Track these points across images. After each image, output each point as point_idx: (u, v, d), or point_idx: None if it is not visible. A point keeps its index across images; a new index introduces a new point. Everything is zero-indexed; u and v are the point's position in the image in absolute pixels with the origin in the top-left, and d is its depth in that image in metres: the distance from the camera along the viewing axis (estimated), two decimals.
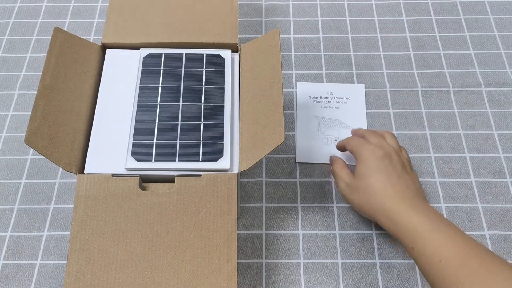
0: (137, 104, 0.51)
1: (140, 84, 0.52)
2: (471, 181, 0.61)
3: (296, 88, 0.69)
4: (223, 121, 0.50)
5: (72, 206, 0.59)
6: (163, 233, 0.45)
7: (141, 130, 0.49)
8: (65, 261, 0.56)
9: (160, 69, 0.53)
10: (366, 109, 0.67)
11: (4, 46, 0.73)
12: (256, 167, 0.62)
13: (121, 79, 0.53)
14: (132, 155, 0.48)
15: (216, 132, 0.50)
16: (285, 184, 0.61)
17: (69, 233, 0.58)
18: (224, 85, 0.52)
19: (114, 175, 0.46)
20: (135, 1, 0.58)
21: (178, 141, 0.49)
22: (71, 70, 0.51)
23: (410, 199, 0.49)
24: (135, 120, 0.50)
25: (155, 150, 0.48)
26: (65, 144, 0.47)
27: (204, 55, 0.54)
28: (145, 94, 0.52)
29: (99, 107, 0.51)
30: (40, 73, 0.48)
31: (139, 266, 0.44)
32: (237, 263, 0.55)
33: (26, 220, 0.58)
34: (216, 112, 0.51)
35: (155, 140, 0.49)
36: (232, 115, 0.51)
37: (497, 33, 0.74)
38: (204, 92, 0.52)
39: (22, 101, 0.67)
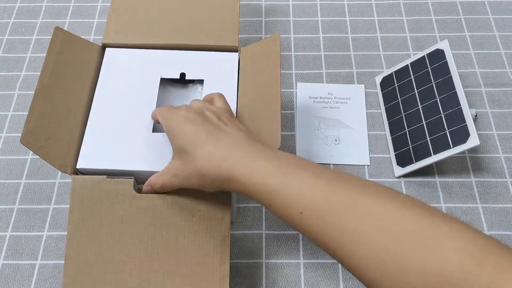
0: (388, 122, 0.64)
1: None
2: (471, 181, 0.61)
3: (296, 88, 0.69)
4: None
5: None
6: (157, 236, 0.45)
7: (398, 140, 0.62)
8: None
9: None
10: (366, 109, 0.67)
11: (4, 46, 0.73)
12: None
13: (120, 78, 0.53)
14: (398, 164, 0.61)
15: None
16: None
17: None
18: None
19: (109, 176, 0.46)
20: (136, 2, 0.58)
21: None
22: (70, 70, 0.51)
23: (245, 149, 0.40)
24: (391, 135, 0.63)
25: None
26: (61, 145, 0.47)
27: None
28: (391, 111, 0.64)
29: (96, 103, 0.51)
30: (39, 73, 0.48)
31: (134, 269, 0.44)
32: (237, 263, 0.55)
33: (26, 220, 0.58)
34: None
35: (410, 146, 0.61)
36: None
37: (497, 33, 0.74)
38: None
39: (22, 101, 0.67)
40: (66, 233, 0.58)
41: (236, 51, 0.55)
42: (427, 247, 0.31)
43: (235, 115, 0.51)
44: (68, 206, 0.59)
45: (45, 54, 0.50)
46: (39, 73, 0.49)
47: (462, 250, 0.31)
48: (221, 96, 0.48)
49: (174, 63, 0.54)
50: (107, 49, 0.55)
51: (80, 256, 0.44)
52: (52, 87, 0.48)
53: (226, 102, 0.48)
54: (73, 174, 0.46)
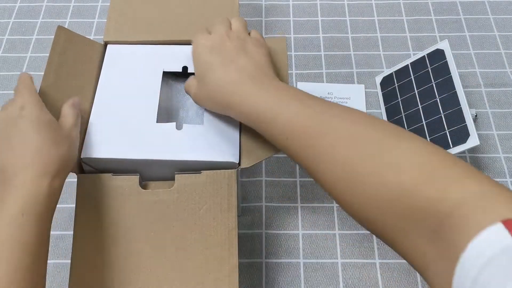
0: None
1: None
2: None
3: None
4: None
5: (72, 205, 0.59)
6: (164, 231, 0.45)
7: None
8: (65, 261, 0.56)
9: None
10: (366, 109, 0.67)
11: (4, 46, 0.73)
12: (256, 166, 0.62)
13: (122, 72, 0.52)
14: None
15: None
16: (285, 183, 0.61)
17: (69, 232, 0.58)
18: None
19: (114, 174, 0.46)
20: (135, 0, 0.58)
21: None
22: (73, 69, 0.51)
23: (248, 84, 0.43)
24: None
25: None
26: None
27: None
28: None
29: (99, 97, 0.50)
30: (40, 73, 0.48)
31: (141, 264, 0.44)
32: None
33: None
34: None
35: None
36: None
37: (497, 33, 0.74)
38: None
39: None
40: (66, 232, 0.58)
41: None
42: (387, 163, 0.34)
43: None
44: (69, 205, 0.59)
45: (45, 54, 0.50)
46: (39, 73, 0.49)
47: (417, 165, 0.33)
48: (239, 19, 0.50)
49: (176, 57, 0.54)
50: (108, 45, 0.55)
51: (86, 254, 0.44)
52: (56, 86, 0.48)
53: (244, 24, 0.50)
54: (80, 172, 0.46)
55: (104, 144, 0.47)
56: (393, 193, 0.33)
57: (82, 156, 0.46)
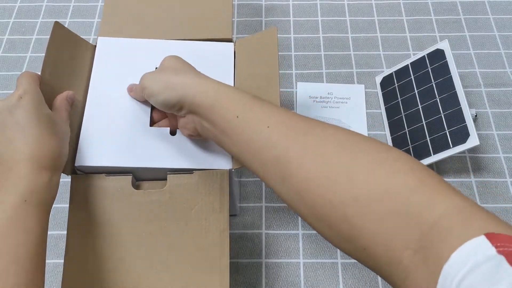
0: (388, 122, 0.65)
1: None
2: (471, 181, 0.61)
3: (296, 88, 0.69)
4: None
5: None
6: (156, 231, 0.45)
7: None
8: None
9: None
10: (366, 109, 0.67)
11: (4, 46, 0.73)
12: None
13: (114, 70, 0.52)
14: None
15: None
16: None
17: None
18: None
19: (107, 174, 0.46)
20: (129, 1, 0.58)
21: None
22: (68, 67, 0.50)
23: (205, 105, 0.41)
24: None
25: None
26: None
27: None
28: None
29: (91, 98, 0.50)
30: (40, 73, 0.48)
31: (133, 264, 0.44)
32: (237, 262, 0.55)
33: None
34: None
35: None
36: None
37: (497, 33, 0.74)
38: None
39: None
40: (66, 232, 0.58)
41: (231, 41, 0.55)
42: (376, 162, 0.33)
43: None
44: (67, 205, 0.59)
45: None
46: (38, 73, 0.48)
47: (408, 171, 0.32)
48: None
49: (168, 54, 0.53)
50: (99, 38, 0.53)
51: (79, 254, 0.44)
52: (50, 84, 0.48)
53: None
54: (71, 173, 0.46)
55: (97, 151, 0.47)
56: (380, 192, 0.32)
57: (76, 164, 0.46)
